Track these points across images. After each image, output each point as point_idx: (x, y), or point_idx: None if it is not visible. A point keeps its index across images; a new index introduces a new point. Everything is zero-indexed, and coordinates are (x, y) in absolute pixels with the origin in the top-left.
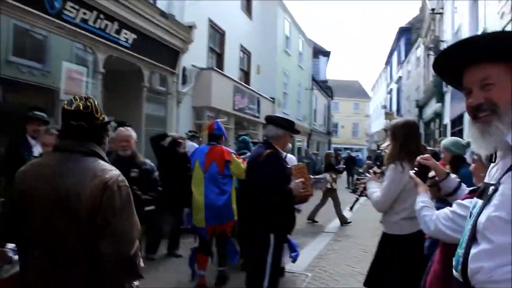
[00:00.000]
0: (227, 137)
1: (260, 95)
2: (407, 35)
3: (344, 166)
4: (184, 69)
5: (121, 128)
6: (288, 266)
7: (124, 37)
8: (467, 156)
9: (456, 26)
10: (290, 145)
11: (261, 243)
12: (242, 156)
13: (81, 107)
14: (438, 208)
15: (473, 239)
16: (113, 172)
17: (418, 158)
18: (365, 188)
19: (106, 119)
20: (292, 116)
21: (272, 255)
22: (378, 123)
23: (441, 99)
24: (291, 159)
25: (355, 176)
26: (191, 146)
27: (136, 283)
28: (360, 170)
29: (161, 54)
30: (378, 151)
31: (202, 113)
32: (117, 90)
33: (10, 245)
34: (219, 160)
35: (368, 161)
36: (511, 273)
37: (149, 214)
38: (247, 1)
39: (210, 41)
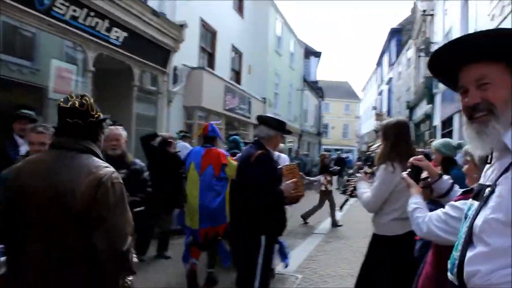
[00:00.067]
0: (222, 138)
1: (251, 95)
2: (398, 36)
3: (339, 168)
4: (175, 69)
5: (111, 127)
6: (278, 267)
7: (115, 35)
8: (458, 158)
9: (447, 28)
10: (282, 145)
11: (252, 244)
12: (233, 158)
13: (76, 105)
14: (430, 210)
15: (469, 241)
16: (107, 169)
17: (411, 159)
18: (355, 189)
19: (102, 116)
20: (283, 117)
21: (263, 257)
22: (368, 124)
23: (431, 100)
24: (284, 159)
25: (345, 177)
26: (182, 146)
27: (130, 278)
28: (351, 171)
29: (152, 53)
30: (368, 152)
31: (193, 113)
32: (107, 89)
33: None
34: (215, 163)
35: (359, 162)
36: (510, 276)
37: (138, 215)
38: (239, 0)
39: (202, 41)
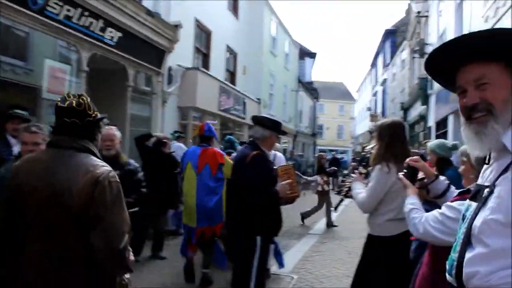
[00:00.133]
0: (217, 138)
1: (246, 96)
2: (393, 37)
3: (336, 168)
4: (169, 69)
5: (105, 127)
6: (274, 268)
7: (109, 35)
8: (454, 158)
9: (441, 29)
10: (278, 144)
11: (247, 245)
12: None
13: (74, 104)
14: (426, 211)
15: (467, 242)
16: (104, 168)
17: (407, 160)
18: (350, 189)
19: (99, 116)
20: (278, 117)
21: (258, 258)
22: (363, 125)
23: (425, 101)
24: (280, 158)
25: (340, 178)
26: (177, 147)
27: (127, 276)
28: (345, 172)
29: (147, 53)
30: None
31: (188, 113)
32: (101, 89)
33: None
34: (212, 163)
35: (353, 163)
36: (510, 277)
37: (132, 216)
38: (234, 1)
39: (196, 41)
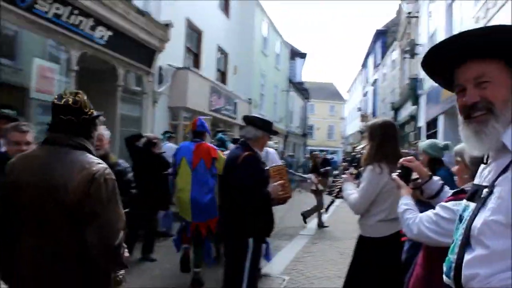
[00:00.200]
0: (210, 133)
1: (236, 96)
2: (383, 38)
3: (330, 168)
4: (160, 69)
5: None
6: (265, 269)
7: (99, 34)
8: (446, 158)
9: (431, 30)
10: (271, 142)
11: (239, 246)
12: None
13: (70, 102)
14: (419, 211)
15: (466, 244)
16: (100, 165)
17: (401, 160)
18: (341, 190)
19: (95, 113)
20: (269, 118)
21: (250, 259)
22: (353, 126)
23: (416, 102)
24: (273, 155)
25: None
26: (168, 147)
27: (121, 272)
28: (336, 172)
29: (137, 53)
30: (354, 153)
31: (178, 113)
32: (91, 89)
33: None
34: (206, 158)
35: (344, 163)
36: (510, 280)
37: None
38: (225, 0)
39: (187, 41)
